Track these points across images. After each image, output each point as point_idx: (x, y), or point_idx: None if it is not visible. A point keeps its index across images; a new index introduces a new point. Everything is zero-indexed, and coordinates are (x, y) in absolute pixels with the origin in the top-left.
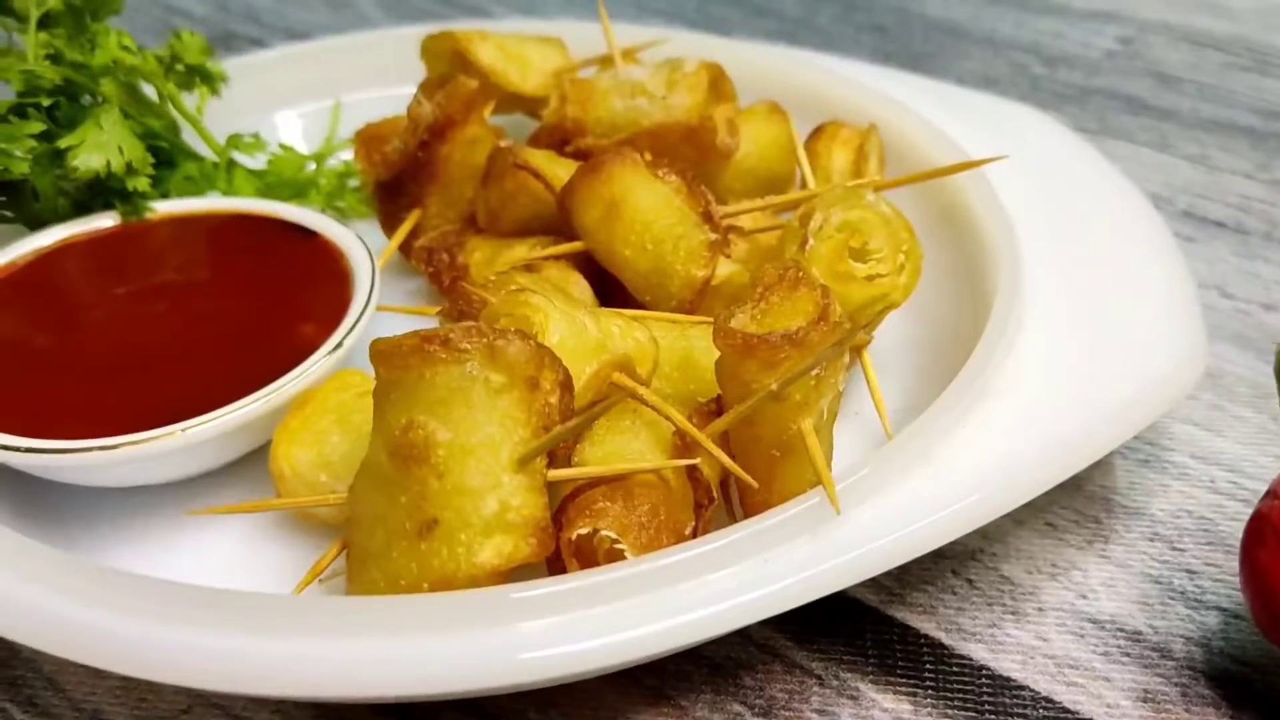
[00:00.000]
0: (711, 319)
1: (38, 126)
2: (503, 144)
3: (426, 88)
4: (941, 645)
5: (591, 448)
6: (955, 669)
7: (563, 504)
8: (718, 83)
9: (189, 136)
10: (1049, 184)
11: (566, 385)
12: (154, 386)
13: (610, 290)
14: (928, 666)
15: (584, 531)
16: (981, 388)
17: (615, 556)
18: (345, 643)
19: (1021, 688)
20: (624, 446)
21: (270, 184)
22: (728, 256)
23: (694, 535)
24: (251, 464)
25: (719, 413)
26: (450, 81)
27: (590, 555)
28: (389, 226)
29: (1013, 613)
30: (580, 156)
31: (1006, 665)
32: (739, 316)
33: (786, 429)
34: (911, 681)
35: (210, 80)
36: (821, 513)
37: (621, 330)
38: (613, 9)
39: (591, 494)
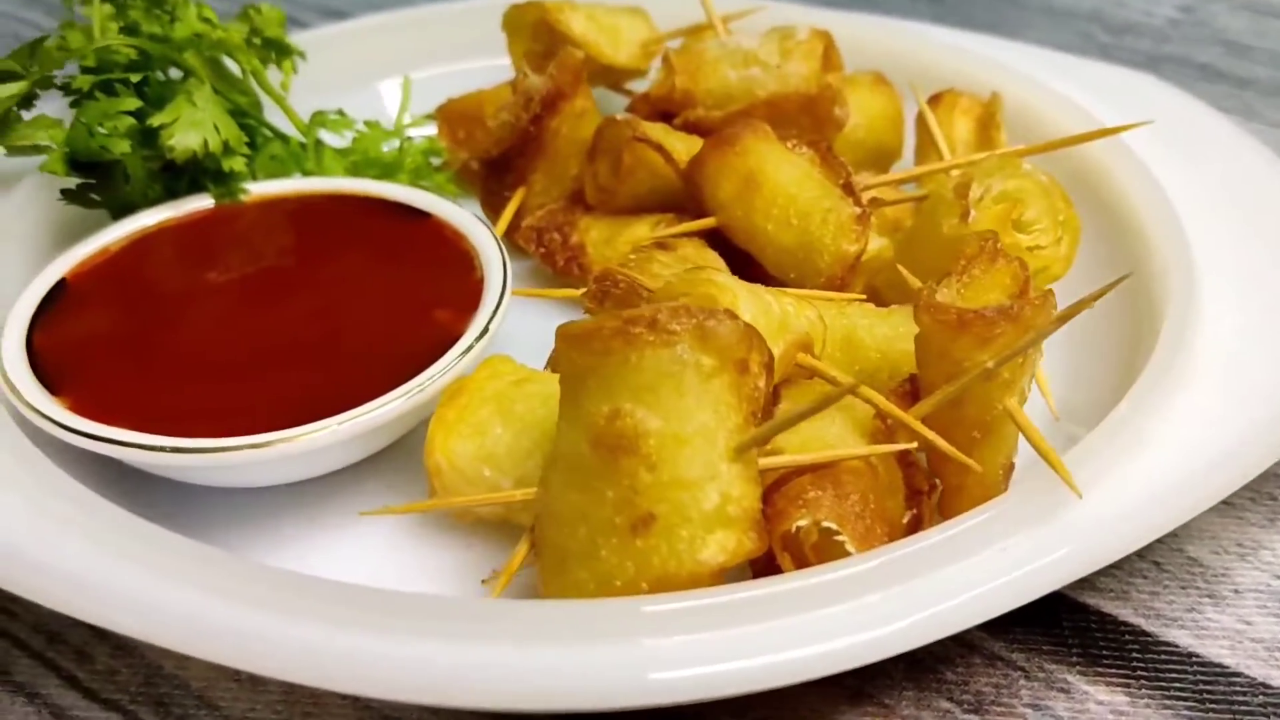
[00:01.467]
0: (862, 295)
1: (133, 103)
2: (619, 117)
3: (530, 59)
4: (1144, 632)
5: (786, 434)
6: (1163, 657)
7: (766, 495)
8: (827, 52)
9: (270, 114)
10: (1189, 153)
11: (770, 367)
12: (290, 379)
13: (739, 268)
14: (1134, 655)
15: (803, 524)
16: (1180, 370)
17: (827, 549)
18: (547, 651)
19: (1236, 674)
20: (822, 431)
21: (357, 163)
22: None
23: (916, 524)
24: (388, 456)
25: (913, 393)
26: (558, 53)
27: (797, 549)
28: (491, 205)
29: (1209, 595)
30: (691, 129)
31: (1215, 651)
32: (944, 291)
33: (991, 408)
34: (1121, 672)
35: (288, 55)
36: (1053, 498)
37: (795, 309)
38: None
39: (799, 483)
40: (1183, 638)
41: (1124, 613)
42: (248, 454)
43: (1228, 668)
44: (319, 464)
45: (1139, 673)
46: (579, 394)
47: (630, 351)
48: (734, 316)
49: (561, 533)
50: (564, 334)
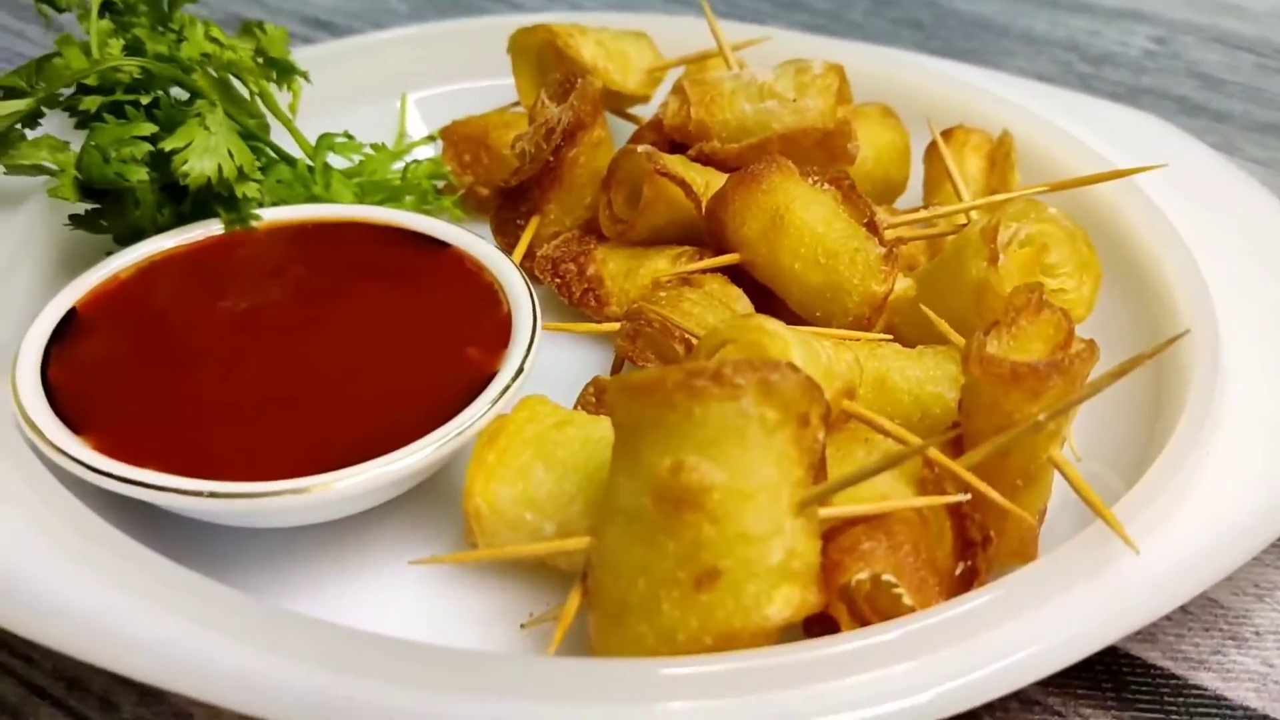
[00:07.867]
0: (888, 335)
1: (148, 128)
2: (639, 149)
3: (549, 88)
4: (1173, 675)
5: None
6: (1194, 700)
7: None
8: (840, 86)
9: (277, 136)
10: (1196, 196)
11: (828, 419)
12: (320, 419)
13: (760, 304)
14: (1167, 699)
15: (862, 577)
16: (1214, 421)
17: (881, 601)
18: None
19: (1265, 718)
20: (873, 480)
21: (364, 186)
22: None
23: (970, 577)
24: (413, 496)
25: (956, 441)
26: (571, 79)
27: (851, 602)
28: (503, 232)
29: (1232, 638)
30: (705, 161)
31: (1242, 694)
32: (993, 342)
33: (1036, 458)
34: (1156, 716)
35: (290, 75)
36: (1106, 553)
37: (835, 353)
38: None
39: (853, 534)
40: (1210, 680)
41: (1152, 655)
42: (286, 499)
43: (1255, 711)
44: (351, 507)
45: (1173, 717)
46: (638, 445)
47: (694, 405)
48: (795, 369)
49: (619, 585)
50: (623, 386)
